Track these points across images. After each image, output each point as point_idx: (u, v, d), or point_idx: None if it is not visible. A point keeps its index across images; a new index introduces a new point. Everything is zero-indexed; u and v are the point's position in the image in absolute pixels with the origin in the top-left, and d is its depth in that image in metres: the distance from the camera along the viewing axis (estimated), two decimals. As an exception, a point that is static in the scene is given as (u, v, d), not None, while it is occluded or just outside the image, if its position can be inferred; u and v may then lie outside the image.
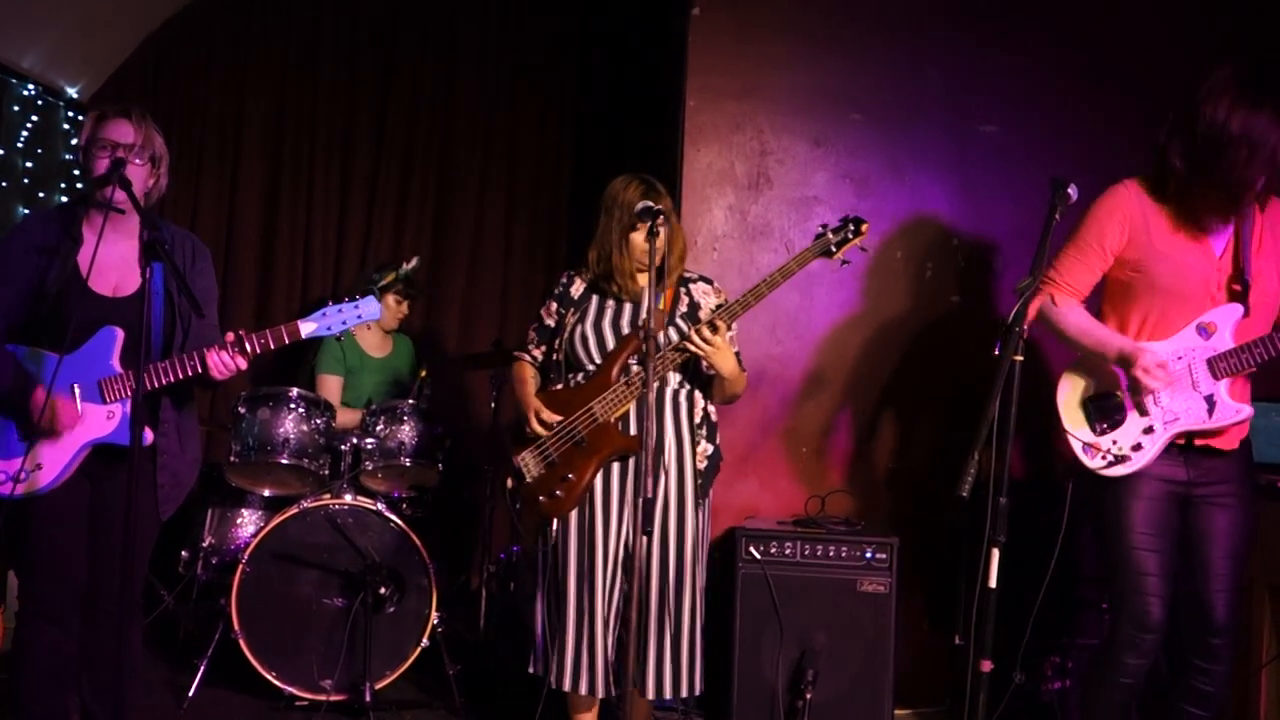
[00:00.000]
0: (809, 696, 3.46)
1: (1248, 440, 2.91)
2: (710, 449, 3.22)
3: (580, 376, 3.20)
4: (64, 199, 4.93)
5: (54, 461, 2.77)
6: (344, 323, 2.86)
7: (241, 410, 4.03)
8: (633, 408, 3.13)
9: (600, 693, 3.14)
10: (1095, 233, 2.88)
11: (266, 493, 4.26)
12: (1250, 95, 2.65)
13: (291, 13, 5.45)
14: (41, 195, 4.83)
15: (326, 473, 4.11)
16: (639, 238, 3.15)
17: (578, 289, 3.28)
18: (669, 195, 3.19)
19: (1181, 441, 2.84)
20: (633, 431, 3.13)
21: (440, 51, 5.56)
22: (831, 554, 3.61)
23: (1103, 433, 2.88)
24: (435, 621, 3.94)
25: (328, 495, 3.96)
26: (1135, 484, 2.83)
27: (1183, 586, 2.84)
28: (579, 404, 3.12)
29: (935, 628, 4.07)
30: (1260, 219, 2.82)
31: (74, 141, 4.98)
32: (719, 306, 3.18)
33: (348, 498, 3.95)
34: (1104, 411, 2.89)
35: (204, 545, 4.20)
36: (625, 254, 3.17)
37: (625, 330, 3.18)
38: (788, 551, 3.62)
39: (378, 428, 4.18)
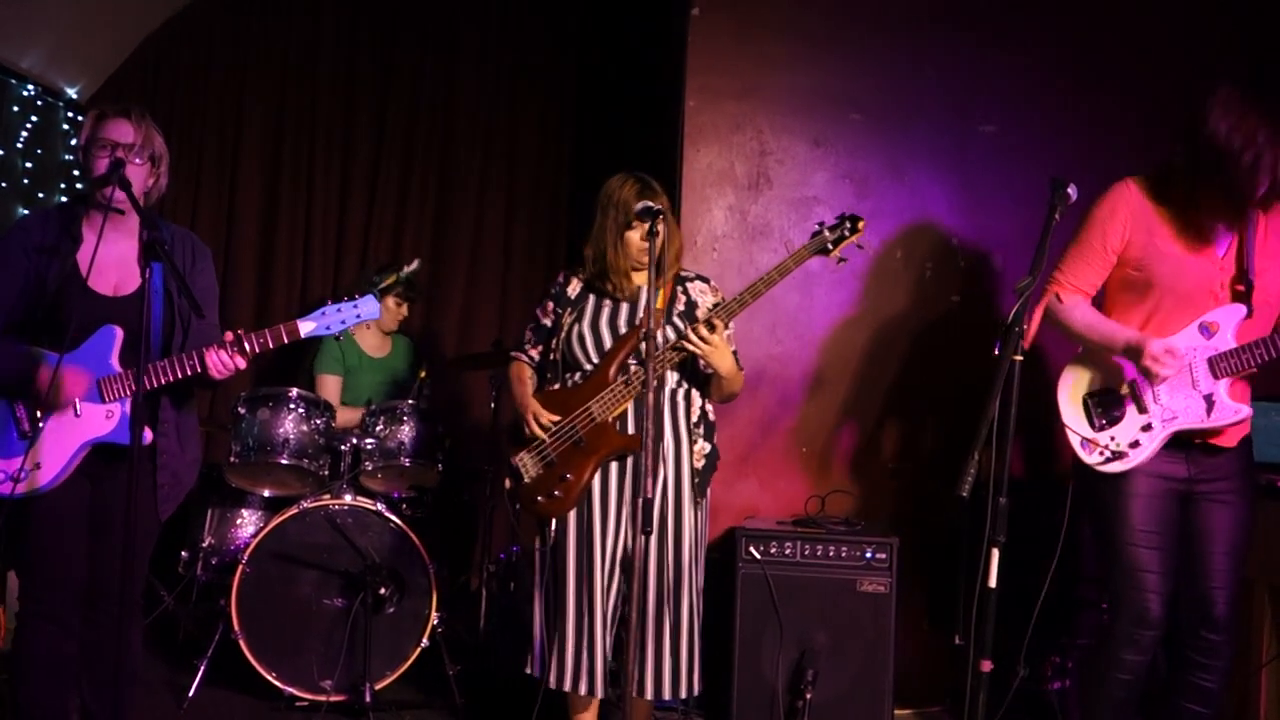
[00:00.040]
0: (809, 696, 3.46)
1: (1248, 437, 2.92)
2: (708, 448, 3.22)
3: (577, 376, 3.20)
4: (63, 199, 4.93)
5: (53, 461, 2.77)
6: (343, 322, 2.86)
7: (241, 410, 4.03)
8: (630, 407, 3.13)
9: (599, 693, 3.14)
10: (1097, 232, 2.89)
11: (266, 493, 4.26)
12: (1253, 107, 2.64)
13: (291, 13, 5.45)
14: (41, 196, 4.83)
15: (326, 473, 4.11)
16: (635, 236, 3.15)
17: (574, 289, 3.27)
18: (664, 194, 3.18)
19: (1183, 438, 2.84)
20: (630, 430, 3.13)
21: (440, 51, 5.56)
22: (831, 554, 3.60)
23: (1101, 429, 2.88)
24: (435, 622, 3.94)
25: (327, 495, 3.96)
26: (1135, 481, 2.84)
27: (1182, 583, 2.85)
28: (577, 404, 3.12)
29: (935, 628, 4.07)
30: (1264, 220, 2.82)
31: (73, 142, 4.98)
32: (716, 305, 3.17)
33: (347, 498, 3.95)
34: (1104, 407, 2.90)
35: (204, 546, 4.20)
36: (621, 252, 3.17)
37: (622, 329, 3.18)
38: (788, 551, 3.62)
39: (377, 428, 4.18)
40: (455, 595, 5.00)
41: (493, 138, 5.62)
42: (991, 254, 4.17)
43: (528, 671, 3.23)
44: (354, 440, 4.19)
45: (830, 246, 3.12)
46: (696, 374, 3.22)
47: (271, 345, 2.80)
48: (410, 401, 4.28)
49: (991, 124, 4.18)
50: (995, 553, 2.48)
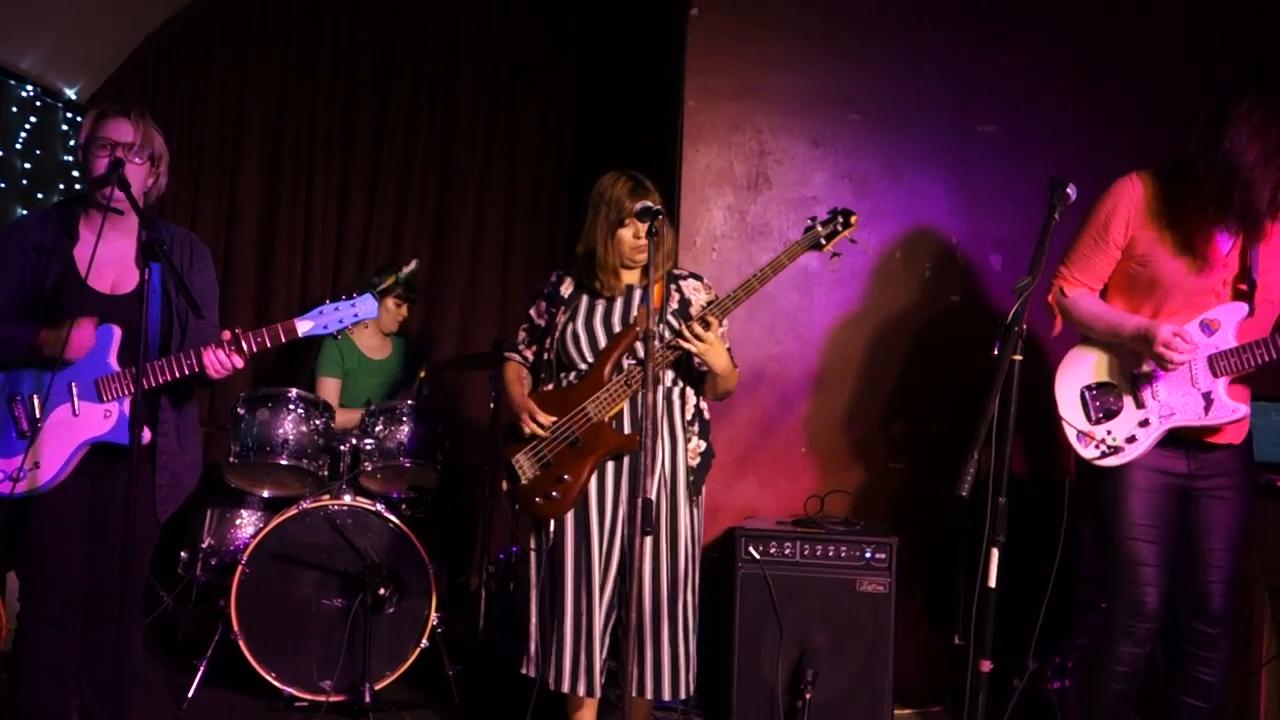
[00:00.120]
0: (808, 696, 3.46)
1: (1249, 435, 2.92)
2: (703, 446, 3.22)
3: (572, 376, 3.19)
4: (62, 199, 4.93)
5: (52, 460, 2.77)
6: (341, 321, 2.85)
7: (240, 411, 4.03)
8: (626, 406, 3.13)
9: (597, 693, 3.14)
10: (1101, 227, 2.89)
11: (266, 493, 4.26)
12: (1276, 124, 2.65)
13: (291, 13, 5.45)
14: (40, 196, 4.83)
15: (326, 473, 4.11)
16: (627, 234, 3.15)
17: (567, 288, 3.27)
18: (656, 191, 3.17)
19: (1181, 435, 2.85)
20: (627, 430, 3.13)
21: (440, 51, 5.56)
22: (831, 554, 3.60)
23: (1098, 422, 2.89)
24: (435, 622, 3.93)
25: (327, 496, 3.96)
26: (1134, 475, 2.85)
27: (1179, 577, 2.86)
28: (572, 404, 3.12)
29: (935, 627, 4.07)
30: (1269, 221, 2.82)
31: (72, 142, 4.98)
32: (710, 302, 3.17)
33: (347, 498, 3.95)
34: (1101, 401, 2.90)
35: (203, 546, 4.20)
36: (612, 250, 3.16)
37: (616, 328, 3.17)
38: (787, 551, 3.62)
39: (377, 428, 4.18)
40: (455, 595, 5.00)
41: (493, 138, 5.62)
42: (991, 254, 4.17)
43: (523, 672, 3.22)
44: (353, 441, 4.19)
45: (823, 241, 3.11)
46: (691, 372, 3.21)
47: (269, 344, 2.80)
48: (409, 402, 4.28)
49: (991, 124, 4.18)
50: (995, 552, 2.48)
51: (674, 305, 3.21)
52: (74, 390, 2.78)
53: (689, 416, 3.21)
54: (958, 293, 4.17)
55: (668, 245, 3.24)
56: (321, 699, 3.79)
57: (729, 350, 3.16)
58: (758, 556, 3.61)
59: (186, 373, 2.76)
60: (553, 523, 3.14)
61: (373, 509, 3.93)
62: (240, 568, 3.83)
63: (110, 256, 2.86)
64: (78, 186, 4.79)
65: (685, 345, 3.03)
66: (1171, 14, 4.13)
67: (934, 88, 4.17)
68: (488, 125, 5.61)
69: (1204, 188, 2.72)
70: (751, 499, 4.12)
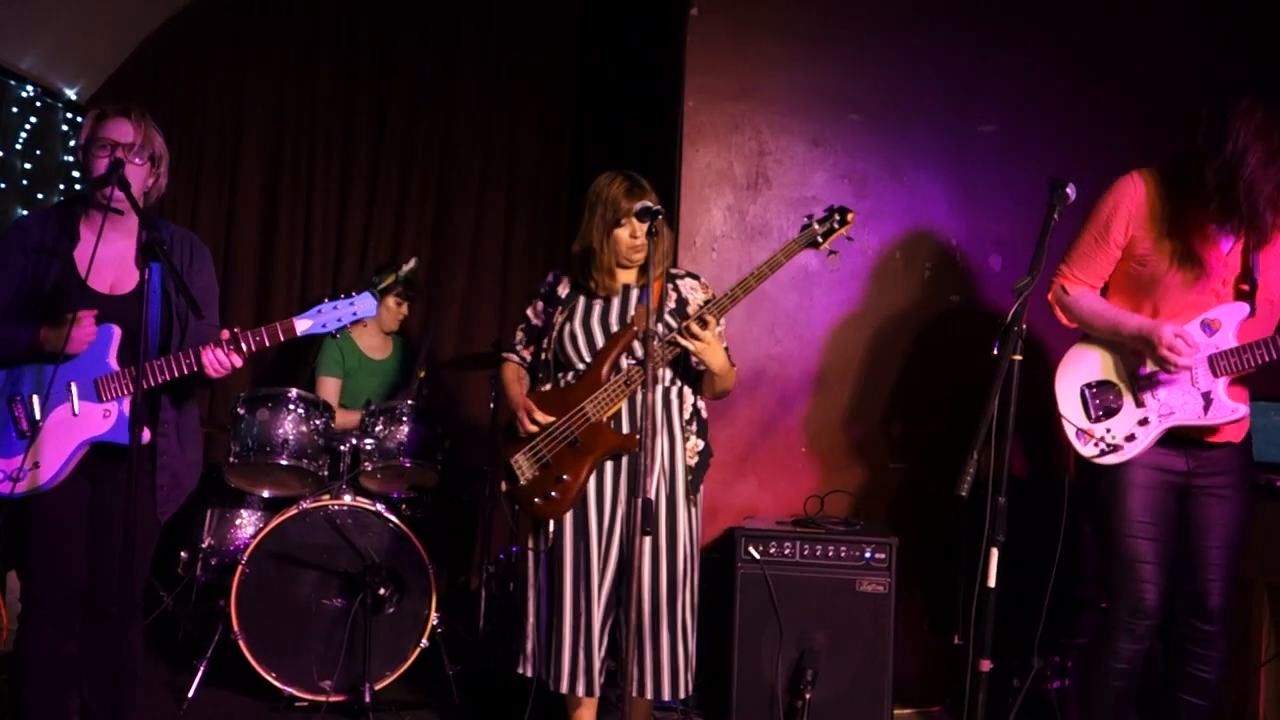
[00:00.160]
0: (808, 696, 3.46)
1: (1249, 434, 2.92)
2: (700, 445, 3.22)
3: (570, 376, 3.19)
4: (62, 200, 4.93)
5: (51, 460, 2.77)
6: (339, 320, 2.84)
7: (240, 411, 4.03)
8: (625, 406, 3.13)
9: (596, 693, 3.14)
10: (1102, 225, 2.89)
11: (266, 494, 4.26)
12: (1276, 124, 2.64)
13: (291, 13, 5.45)
14: (40, 197, 4.83)
15: (325, 473, 4.11)
16: (624, 234, 3.15)
17: (564, 288, 3.27)
18: (653, 191, 3.17)
19: (1180, 434, 2.85)
20: (625, 429, 3.13)
21: (440, 51, 5.56)
22: (831, 554, 3.60)
23: (1098, 420, 2.89)
24: (435, 622, 3.94)
25: (327, 496, 3.96)
26: (1133, 472, 2.85)
27: (1177, 575, 2.87)
28: (570, 404, 3.11)
29: (935, 627, 4.07)
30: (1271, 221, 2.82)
31: (72, 143, 4.98)
32: (707, 301, 3.17)
33: (347, 498, 3.95)
34: (1101, 399, 2.90)
35: (203, 546, 4.20)
36: (608, 250, 3.16)
37: (614, 328, 3.17)
38: (787, 551, 3.62)
39: (377, 428, 4.18)
40: (455, 595, 5.00)
41: (493, 138, 5.62)
42: (991, 254, 4.17)
43: (520, 671, 3.22)
44: (353, 441, 4.19)
45: (820, 239, 3.11)
46: (689, 371, 3.21)
47: (268, 343, 2.80)
48: (409, 402, 4.28)
49: (991, 124, 4.18)
50: (994, 552, 2.48)
51: (671, 304, 3.21)
52: (73, 390, 2.78)
53: (687, 416, 3.21)
54: (957, 293, 4.17)
55: (665, 245, 3.24)
56: (321, 699, 3.79)
57: (726, 349, 3.16)
58: (757, 556, 3.61)
59: (185, 372, 2.76)
60: (551, 523, 3.14)
61: (373, 509, 3.93)
62: (240, 568, 3.83)
63: (110, 257, 2.86)
64: (78, 187, 4.79)
65: (683, 343, 3.03)
66: (1171, 14, 4.13)
67: (934, 88, 4.17)
68: (488, 125, 5.61)
69: (1206, 189, 2.71)
70: (751, 499, 4.12)
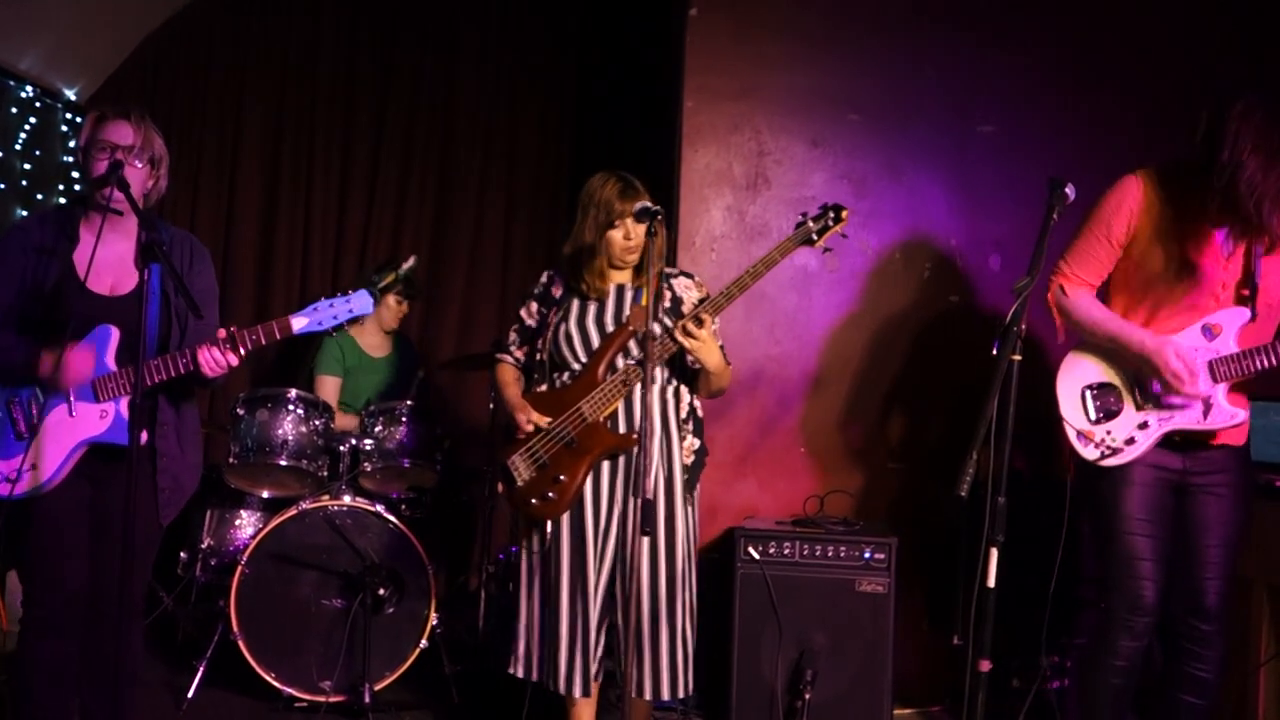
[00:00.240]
0: (808, 697, 3.46)
1: (1248, 438, 2.92)
2: (697, 444, 3.22)
3: (566, 376, 3.19)
4: (62, 201, 4.93)
5: (49, 461, 2.76)
6: (335, 317, 2.84)
7: (240, 412, 4.03)
8: (621, 405, 3.12)
9: (591, 693, 3.15)
10: (1104, 225, 2.88)
11: (265, 494, 4.26)
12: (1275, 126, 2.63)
13: (291, 13, 5.45)
14: (40, 197, 4.83)
15: (325, 474, 4.11)
16: (617, 235, 3.15)
17: (558, 289, 3.27)
18: (646, 193, 3.17)
19: (1177, 438, 2.85)
20: (622, 429, 3.13)
21: (440, 51, 5.56)
22: (830, 554, 3.60)
23: (1098, 422, 2.89)
24: (434, 622, 3.94)
25: (326, 496, 3.96)
26: (1130, 471, 2.86)
27: (1175, 572, 2.87)
28: (567, 404, 3.11)
29: (934, 627, 4.07)
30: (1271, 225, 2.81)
31: (72, 143, 4.98)
32: (702, 300, 3.17)
33: (346, 499, 3.95)
34: (1101, 401, 2.90)
35: (203, 547, 4.20)
36: (601, 251, 3.16)
37: (609, 328, 3.17)
38: (786, 551, 3.62)
39: (376, 429, 4.18)
40: (454, 596, 5.00)
41: (493, 138, 5.62)
42: (990, 254, 4.17)
43: (510, 672, 3.22)
44: (353, 441, 4.19)
45: (815, 237, 3.11)
46: (685, 370, 3.21)
47: (264, 341, 2.79)
48: (409, 402, 4.27)
49: (990, 124, 4.18)
50: (994, 552, 2.48)
51: (665, 303, 3.21)
52: (70, 391, 2.77)
53: (683, 415, 3.21)
54: (956, 293, 4.17)
55: (659, 245, 3.24)
56: (321, 699, 3.79)
57: (721, 348, 3.16)
58: (757, 557, 3.61)
59: (182, 371, 2.75)
60: (549, 524, 3.14)
61: (372, 509, 3.93)
62: (240, 568, 3.84)
63: (110, 258, 2.86)
64: (77, 188, 4.79)
65: (680, 342, 3.03)
66: (1171, 14, 4.12)
67: (933, 88, 4.17)
68: (488, 125, 5.61)
69: (1206, 192, 2.71)
70: (751, 499, 4.12)
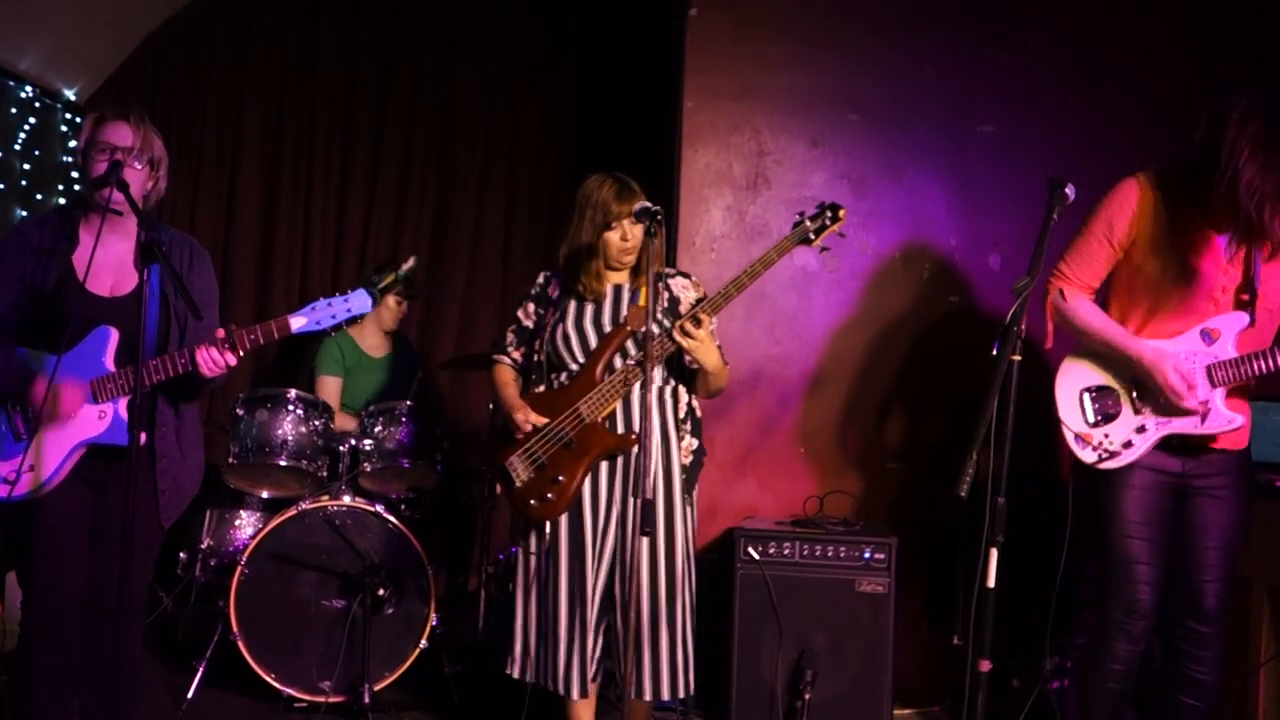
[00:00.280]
0: (808, 697, 3.46)
1: (1248, 443, 2.92)
2: (695, 444, 3.21)
3: (564, 377, 3.18)
4: (62, 201, 4.93)
5: (48, 463, 2.76)
6: (334, 317, 2.83)
7: (240, 412, 4.03)
8: (619, 406, 3.12)
9: (589, 693, 3.15)
10: (1104, 227, 2.88)
11: (265, 494, 4.26)
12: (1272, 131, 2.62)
13: (291, 13, 5.45)
14: (39, 197, 4.83)
15: (325, 474, 4.11)
16: (614, 237, 3.14)
17: (555, 290, 3.27)
18: (642, 193, 3.16)
19: (1176, 441, 2.85)
20: (620, 429, 3.13)
21: (440, 51, 5.56)
22: (830, 554, 3.60)
23: (1096, 425, 2.89)
24: (434, 623, 3.93)
25: (326, 497, 3.96)
26: (1129, 474, 2.86)
27: (1173, 575, 2.87)
28: (565, 405, 3.11)
29: (934, 628, 4.06)
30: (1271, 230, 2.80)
31: (72, 144, 4.98)
32: (700, 300, 3.17)
33: (346, 499, 3.95)
34: (1100, 404, 2.90)
35: (202, 547, 4.20)
36: (598, 253, 3.16)
37: (607, 328, 3.16)
38: (786, 552, 3.62)
39: (376, 429, 4.18)
40: (454, 596, 5.00)
41: (493, 138, 5.61)
42: (990, 254, 4.17)
43: (508, 672, 3.22)
44: (352, 441, 4.18)
45: (812, 236, 3.11)
46: (682, 370, 3.21)
47: (262, 341, 2.79)
48: (408, 403, 4.27)
49: (990, 124, 4.18)
50: (994, 552, 2.48)
51: (663, 303, 3.20)
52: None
53: (681, 415, 3.21)
54: (956, 293, 4.17)
55: (656, 245, 3.24)
56: (320, 699, 3.79)
57: (719, 348, 3.16)
58: (757, 557, 3.61)
59: (180, 371, 2.75)
60: (547, 524, 3.14)
61: (372, 510, 3.93)
62: (239, 568, 3.83)
63: (109, 259, 2.86)
64: (77, 188, 4.79)
65: (677, 341, 3.03)
66: (1171, 14, 4.12)
67: (933, 88, 4.16)
68: (488, 125, 5.61)
69: (1207, 196, 2.70)
70: (751, 499, 4.11)
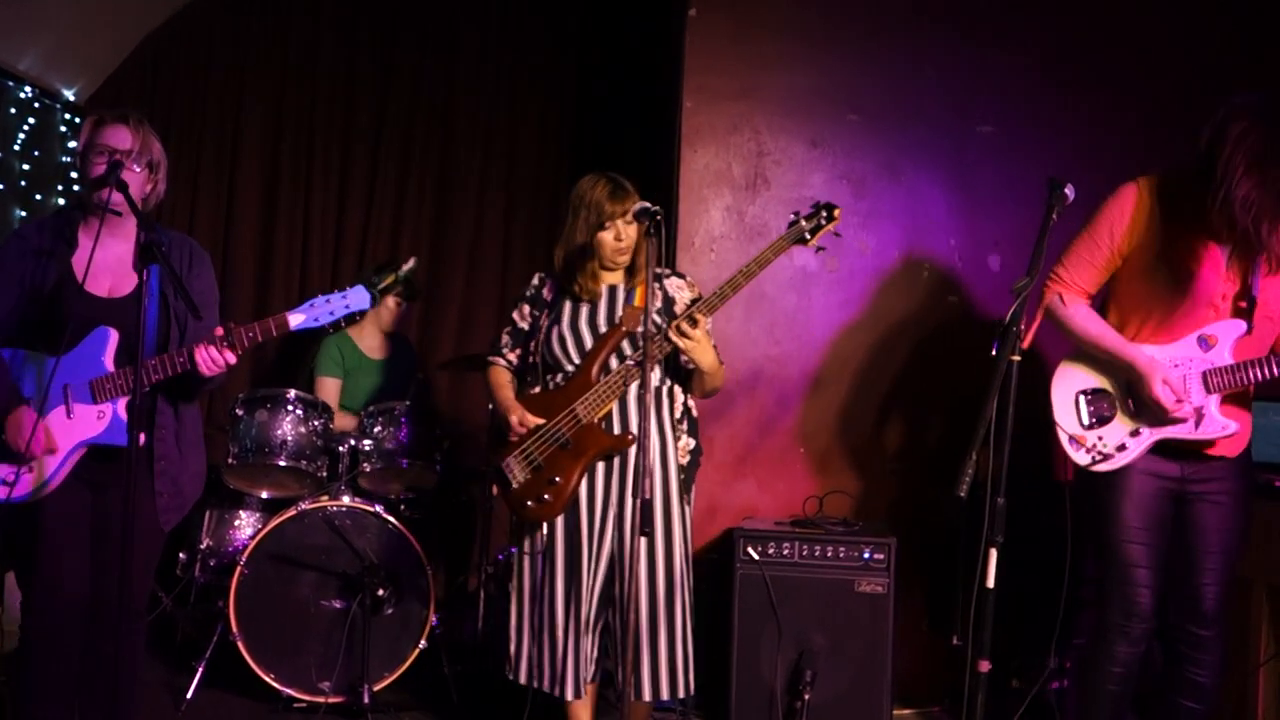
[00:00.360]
0: (807, 697, 3.46)
1: (1248, 449, 2.92)
2: (692, 443, 3.21)
3: (559, 378, 3.18)
4: (61, 201, 4.93)
5: (48, 463, 2.76)
6: (331, 313, 2.82)
7: (239, 412, 4.03)
8: (615, 406, 3.12)
9: (584, 694, 3.15)
10: (1104, 232, 2.87)
11: (264, 495, 4.26)
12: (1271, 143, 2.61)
13: (291, 13, 5.44)
14: (38, 198, 4.83)
15: (324, 474, 4.11)
16: (608, 237, 3.15)
17: (549, 291, 3.27)
18: (636, 193, 3.16)
19: (1173, 445, 2.85)
20: (616, 430, 3.12)
21: (440, 51, 5.56)
22: (829, 554, 3.60)
23: (1090, 427, 2.89)
24: (433, 623, 3.93)
25: (325, 497, 3.96)
26: (1128, 478, 2.85)
27: (1172, 578, 2.87)
28: (561, 406, 3.11)
29: (934, 628, 4.06)
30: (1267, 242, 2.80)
31: (71, 144, 4.98)
32: (695, 300, 3.17)
33: (345, 499, 3.95)
34: (1095, 407, 2.90)
35: (202, 547, 4.20)
36: (593, 253, 3.16)
37: (602, 329, 3.16)
38: (785, 552, 3.62)
39: (375, 429, 4.18)
40: (453, 596, 4.99)
41: (493, 138, 5.61)
42: (989, 254, 4.17)
43: (510, 678, 3.22)
44: (352, 442, 4.18)
45: (808, 235, 3.10)
46: (678, 370, 3.21)
47: (261, 339, 2.79)
48: (408, 403, 4.27)
49: (990, 124, 4.18)
50: (993, 553, 2.48)
51: (658, 303, 3.20)
52: (67, 393, 2.77)
53: (678, 415, 3.21)
54: (956, 293, 4.17)
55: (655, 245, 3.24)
56: (320, 700, 3.79)
57: (715, 347, 3.16)
58: (756, 557, 3.61)
59: (178, 370, 2.75)
60: (545, 525, 3.14)
61: (371, 510, 3.93)
62: (239, 569, 3.83)
63: (108, 261, 2.86)
64: (76, 188, 4.79)
65: (674, 341, 3.03)
66: (1171, 14, 4.12)
67: (933, 88, 4.16)
68: (488, 125, 5.60)
69: (1205, 207, 2.69)
70: (750, 499, 4.11)
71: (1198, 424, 2.81)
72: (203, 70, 5.37)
